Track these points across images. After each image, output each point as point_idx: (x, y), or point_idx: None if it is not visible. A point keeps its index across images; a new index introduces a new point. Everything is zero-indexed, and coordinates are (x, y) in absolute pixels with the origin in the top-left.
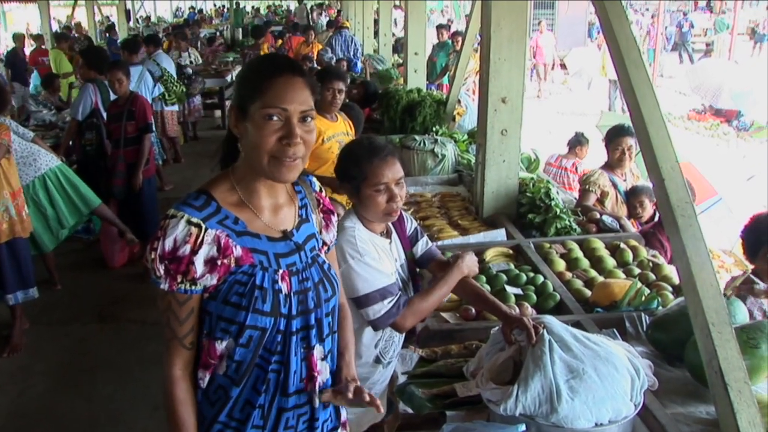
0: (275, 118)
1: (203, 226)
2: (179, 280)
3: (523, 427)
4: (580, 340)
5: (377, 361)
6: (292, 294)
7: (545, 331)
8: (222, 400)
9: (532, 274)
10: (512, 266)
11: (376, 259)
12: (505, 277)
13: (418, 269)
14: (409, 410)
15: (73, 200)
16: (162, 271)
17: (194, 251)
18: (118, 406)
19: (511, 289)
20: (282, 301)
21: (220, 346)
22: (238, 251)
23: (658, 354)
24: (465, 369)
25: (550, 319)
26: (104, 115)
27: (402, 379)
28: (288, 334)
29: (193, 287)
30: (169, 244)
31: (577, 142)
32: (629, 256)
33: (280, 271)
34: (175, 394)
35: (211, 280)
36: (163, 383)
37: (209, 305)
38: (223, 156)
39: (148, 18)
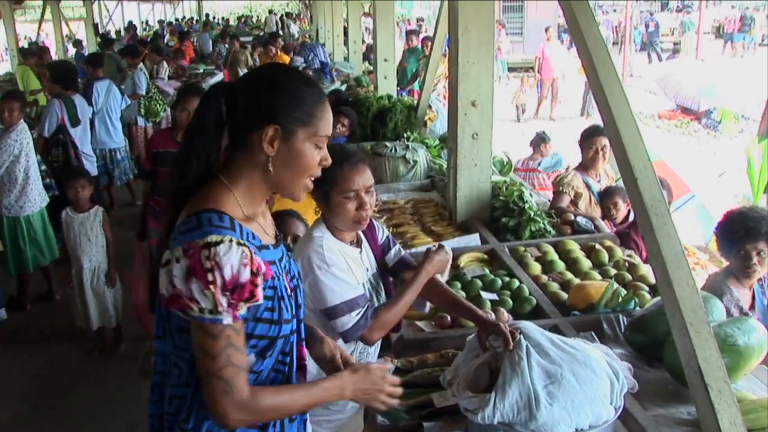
0: (322, 145)
1: (249, 246)
2: (240, 308)
3: None
4: (557, 344)
5: None
6: (292, 294)
7: (522, 336)
8: None
9: (507, 279)
10: (487, 271)
11: (344, 270)
12: (480, 283)
13: (391, 278)
14: (387, 422)
15: (41, 247)
16: (225, 305)
17: (254, 273)
18: (93, 427)
19: (486, 295)
20: (293, 305)
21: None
22: (263, 267)
23: (637, 355)
24: (442, 378)
25: (527, 324)
26: (71, 131)
27: None
28: (292, 332)
29: (244, 312)
30: (227, 272)
31: (540, 141)
32: (605, 256)
33: (283, 276)
34: (273, 404)
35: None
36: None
37: None
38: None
39: (118, 32)
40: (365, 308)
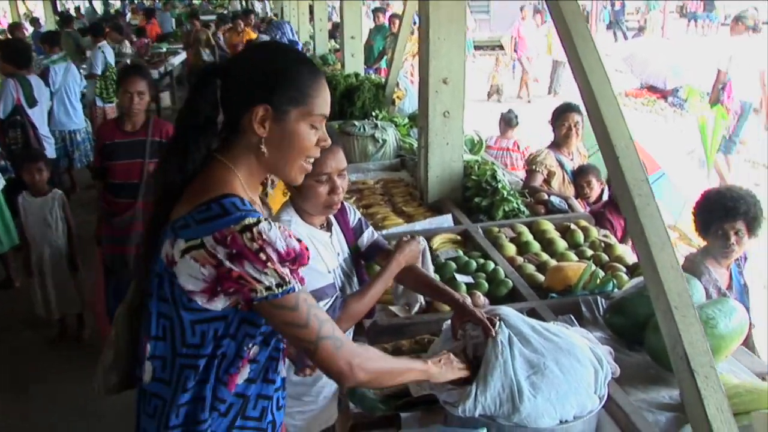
0: (318, 125)
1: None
2: (299, 272)
3: (484, 430)
4: (539, 331)
5: None
6: None
7: (502, 324)
8: (237, 404)
9: (482, 261)
10: (461, 253)
11: (313, 257)
12: (454, 265)
13: (364, 262)
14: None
15: None
16: (289, 273)
17: (299, 240)
18: (58, 418)
19: (461, 278)
20: None
21: (249, 354)
22: None
23: (617, 338)
24: None
25: (506, 311)
26: (28, 112)
27: None
28: None
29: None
30: (280, 246)
31: (508, 122)
32: (580, 237)
33: None
34: (380, 355)
35: None
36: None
37: (245, 314)
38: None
39: (77, 9)
40: (333, 299)
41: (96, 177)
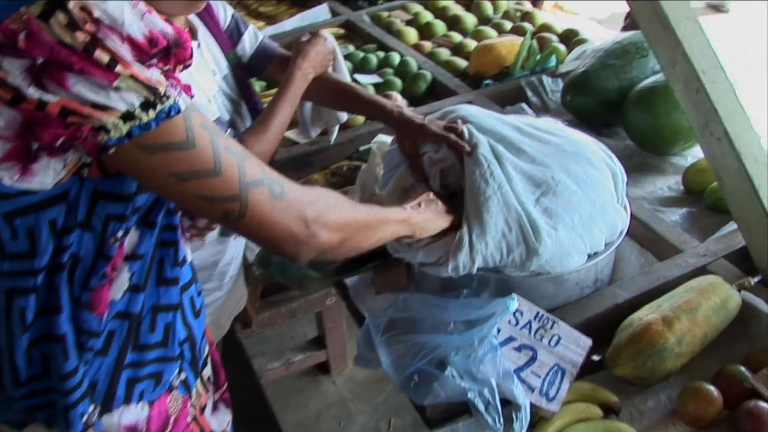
0: None
1: None
2: (179, 75)
3: (515, 303)
4: (526, 132)
5: (223, 234)
6: None
7: (472, 129)
8: (120, 331)
9: (382, 54)
10: (353, 49)
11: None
12: (349, 64)
13: (251, 78)
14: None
15: None
16: (164, 81)
17: (169, 20)
18: None
19: (364, 78)
20: None
21: (124, 248)
22: None
23: (578, 123)
24: None
25: (468, 110)
26: None
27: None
28: None
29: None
30: (132, 24)
31: None
32: (489, 8)
33: None
34: (342, 200)
35: None
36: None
37: (99, 182)
38: None
39: None
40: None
41: None
